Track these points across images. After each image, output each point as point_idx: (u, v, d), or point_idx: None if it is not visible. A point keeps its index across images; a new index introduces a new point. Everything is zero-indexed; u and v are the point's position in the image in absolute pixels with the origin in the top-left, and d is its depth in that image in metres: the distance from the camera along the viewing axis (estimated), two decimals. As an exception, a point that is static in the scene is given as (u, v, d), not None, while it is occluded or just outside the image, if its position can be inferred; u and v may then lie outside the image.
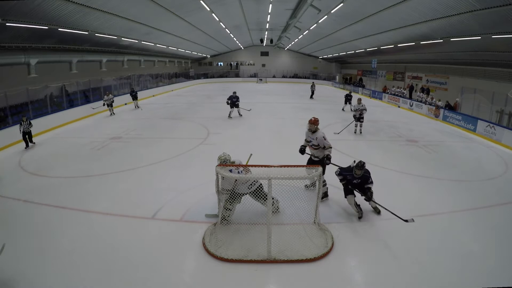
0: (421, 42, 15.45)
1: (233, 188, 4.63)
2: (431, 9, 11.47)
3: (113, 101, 14.90)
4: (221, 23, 20.38)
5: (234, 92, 14.02)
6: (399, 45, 18.09)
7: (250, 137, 10.58)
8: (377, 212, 5.28)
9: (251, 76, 40.26)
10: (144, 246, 4.37)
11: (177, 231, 4.75)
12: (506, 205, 5.77)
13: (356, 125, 11.23)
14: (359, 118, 11.06)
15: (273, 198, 4.72)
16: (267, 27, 24.53)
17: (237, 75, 40.53)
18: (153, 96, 22.96)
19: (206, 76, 38.88)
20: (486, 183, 6.87)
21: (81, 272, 3.84)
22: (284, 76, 40.14)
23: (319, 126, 5.77)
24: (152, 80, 25.76)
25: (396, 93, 20.83)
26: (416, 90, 21.12)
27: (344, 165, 5.44)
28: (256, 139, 10.29)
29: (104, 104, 14.66)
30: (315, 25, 18.94)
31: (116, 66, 21.17)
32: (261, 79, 37.92)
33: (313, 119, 5.66)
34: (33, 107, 12.04)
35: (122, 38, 16.48)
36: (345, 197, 5.20)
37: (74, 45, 15.19)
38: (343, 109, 16.62)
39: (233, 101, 13.74)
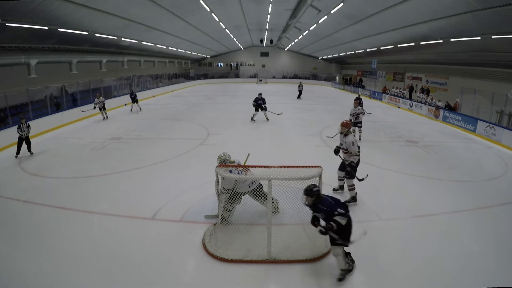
0: (421, 43, 15.47)
1: (234, 188, 4.64)
2: (431, 9, 11.48)
3: (104, 104, 13.84)
4: (221, 23, 20.39)
5: (260, 94, 13.20)
6: (399, 45, 18.10)
7: (250, 138, 10.58)
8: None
9: (251, 77, 40.27)
10: (144, 246, 4.36)
11: (177, 232, 4.75)
12: (506, 205, 5.77)
13: (353, 131, 9.63)
14: (355, 122, 10.00)
15: (272, 198, 4.72)
16: (267, 27, 24.56)
17: (237, 76, 40.54)
18: (153, 96, 22.96)
19: (206, 76, 38.89)
20: (486, 184, 6.87)
21: (81, 273, 3.84)
22: (284, 77, 40.14)
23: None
24: (152, 80, 25.77)
25: (396, 94, 20.85)
26: (416, 91, 21.13)
27: (361, 174, 5.39)
28: (256, 140, 10.29)
29: (94, 108, 13.54)
30: (315, 25, 18.95)
31: (116, 67, 21.19)
32: (261, 80, 37.93)
33: (345, 122, 5.68)
34: (33, 107, 12.03)
35: (122, 39, 16.50)
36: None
37: (74, 46, 15.21)
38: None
39: (259, 103, 12.82)
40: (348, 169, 5.43)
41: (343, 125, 5.61)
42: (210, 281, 3.76)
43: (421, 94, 18.44)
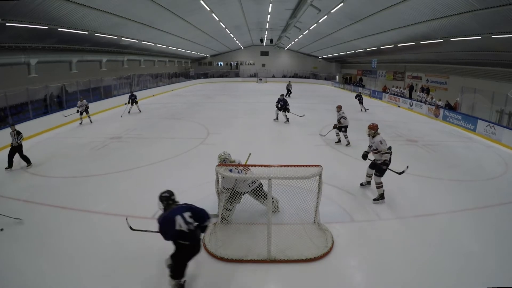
0: (421, 42, 15.45)
1: (234, 187, 4.64)
2: (431, 9, 11.46)
3: (87, 107, 12.69)
4: (221, 23, 20.37)
5: (282, 95, 13.51)
6: (399, 45, 18.08)
7: (250, 137, 10.58)
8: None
9: (251, 76, 40.26)
10: (144, 246, 4.36)
11: (177, 231, 4.74)
12: (506, 205, 5.77)
13: (337, 134, 9.79)
14: (340, 127, 9.67)
15: (272, 198, 4.73)
16: (267, 27, 24.53)
17: (237, 75, 40.52)
18: (153, 96, 22.95)
19: (206, 76, 38.88)
20: (486, 183, 6.87)
21: (81, 272, 3.84)
22: (284, 76, 40.11)
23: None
24: (152, 80, 25.75)
25: (396, 93, 20.84)
26: (416, 90, 21.12)
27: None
28: (256, 139, 10.29)
29: (78, 111, 12.46)
30: (315, 25, 18.94)
31: (116, 66, 21.17)
32: (261, 79, 37.91)
33: (371, 124, 5.81)
34: (33, 107, 12.03)
35: (122, 38, 16.48)
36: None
37: (74, 45, 15.20)
38: (361, 110, 17.08)
39: (282, 104, 12.96)
40: (384, 168, 5.61)
41: (370, 127, 5.76)
42: (210, 280, 3.76)
43: (421, 93, 18.44)
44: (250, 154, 5.72)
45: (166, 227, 3.24)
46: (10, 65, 11.92)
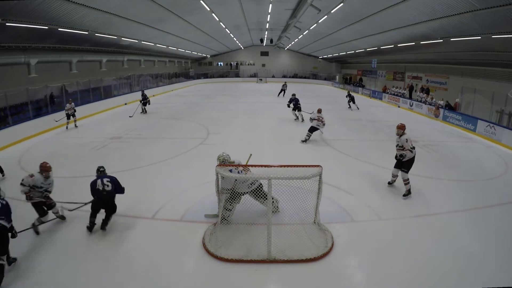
0: (421, 42, 15.45)
1: (233, 188, 4.64)
2: (431, 9, 11.46)
3: (75, 111, 11.92)
4: (221, 23, 20.37)
5: (294, 95, 13.77)
6: (399, 45, 18.08)
7: (250, 137, 10.58)
8: None
9: (251, 76, 40.26)
10: (144, 246, 4.37)
11: (177, 231, 4.75)
12: (506, 205, 5.77)
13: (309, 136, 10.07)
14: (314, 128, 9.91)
15: (272, 198, 4.74)
16: (267, 27, 24.53)
17: (237, 75, 40.52)
18: (153, 96, 22.88)
19: (206, 76, 38.88)
20: (486, 183, 6.87)
21: (81, 272, 3.84)
22: (284, 76, 40.10)
23: None
24: (152, 80, 25.75)
25: (396, 93, 20.84)
26: (416, 90, 21.12)
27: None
28: (256, 139, 10.29)
29: (66, 115, 11.82)
30: (315, 25, 18.94)
31: (116, 66, 21.16)
32: (261, 79, 37.92)
33: (400, 124, 6.23)
34: (33, 107, 12.03)
35: (122, 38, 16.48)
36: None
37: (74, 45, 15.19)
38: (350, 108, 17.42)
39: (294, 104, 13.35)
40: (400, 158, 6.06)
41: (399, 127, 6.19)
42: (210, 280, 3.76)
43: (421, 93, 18.45)
44: (251, 155, 5.73)
45: (92, 186, 4.82)
46: (10, 65, 11.92)
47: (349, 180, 6.75)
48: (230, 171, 4.54)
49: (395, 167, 6.31)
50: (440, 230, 4.87)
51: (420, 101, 17.32)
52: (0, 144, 9.24)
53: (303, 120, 13.16)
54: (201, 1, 14.02)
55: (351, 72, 35.73)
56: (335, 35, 22.11)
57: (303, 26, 20.51)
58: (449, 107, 14.82)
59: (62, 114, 12.19)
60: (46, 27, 10.76)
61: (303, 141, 9.89)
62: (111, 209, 4.82)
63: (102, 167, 5.06)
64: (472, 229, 4.94)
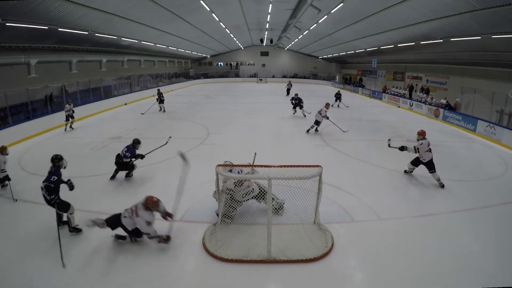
0: (421, 42, 15.45)
1: (233, 192, 4.69)
2: (431, 9, 11.46)
3: (73, 112, 11.66)
4: (221, 23, 20.37)
5: (296, 94, 14.95)
6: (399, 45, 18.08)
7: (250, 137, 10.58)
8: None
9: (251, 76, 40.26)
10: (144, 246, 4.36)
11: (177, 231, 4.74)
12: (506, 205, 5.77)
13: (313, 127, 11.16)
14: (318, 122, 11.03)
15: (278, 199, 4.78)
16: (267, 27, 24.53)
17: (237, 75, 40.52)
18: (153, 96, 22.91)
19: (206, 76, 38.87)
20: (486, 183, 6.87)
21: (81, 272, 3.85)
22: (284, 76, 40.11)
23: None
24: (152, 80, 25.74)
25: (396, 93, 20.84)
26: (416, 90, 21.13)
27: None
28: (256, 139, 10.29)
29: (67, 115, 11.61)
30: (315, 25, 18.93)
31: (116, 66, 21.16)
32: (261, 79, 37.92)
33: (420, 131, 6.92)
34: (33, 107, 12.03)
35: (122, 38, 16.48)
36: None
37: (74, 45, 15.18)
38: (337, 106, 18.02)
39: (296, 102, 14.46)
40: (400, 148, 6.88)
41: (419, 133, 6.89)
42: (210, 280, 3.76)
43: (421, 93, 18.44)
44: (255, 153, 5.74)
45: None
46: (10, 65, 11.91)
47: (349, 180, 6.75)
48: (230, 171, 4.55)
49: (411, 163, 7.01)
50: (440, 230, 4.87)
51: (420, 101, 17.32)
52: (0, 144, 9.23)
53: (305, 115, 14.18)
54: (201, 1, 14.02)
55: (351, 72, 35.72)
56: (335, 35, 22.11)
57: (303, 26, 20.52)
58: (449, 107, 14.82)
59: (63, 115, 12.14)
60: (46, 27, 10.75)
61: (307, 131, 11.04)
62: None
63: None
64: (472, 229, 4.94)
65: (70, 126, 11.83)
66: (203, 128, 11.83)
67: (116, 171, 6.79)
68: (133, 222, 4.25)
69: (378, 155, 8.65)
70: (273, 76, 39.96)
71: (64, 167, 5.01)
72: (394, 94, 20.85)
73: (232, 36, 28.25)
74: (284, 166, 4.18)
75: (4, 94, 10.45)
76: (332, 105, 17.63)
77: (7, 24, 9.30)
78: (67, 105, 11.60)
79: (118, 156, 6.71)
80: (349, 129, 11.59)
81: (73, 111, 11.73)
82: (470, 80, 15.76)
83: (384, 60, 24.77)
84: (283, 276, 3.85)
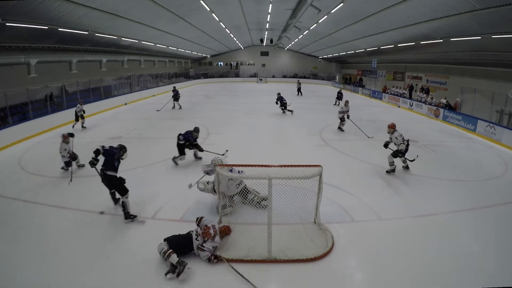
0: (421, 42, 15.46)
1: (226, 191, 4.80)
2: (431, 9, 11.47)
3: (84, 112, 11.85)
4: (221, 23, 20.38)
5: (279, 93, 15.67)
6: (399, 45, 18.09)
7: (250, 137, 10.59)
8: None
9: (251, 76, 40.27)
10: (144, 246, 4.36)
11: (177, 231, 4.73)
12: (506, 205, 5.77)
13: (343, 125, 11.58)
14: (342, 118, 11.52)
15: (259, 194, 4.90)
16: (267, 27, 24.53)
17: (237, 75, 40.53)
18: (153, 96, 22.96)
19: (206, 76, 38.87)
20: (486, 183, 6.87)
21: (82, 272, 3.85)
22: (284, 76, 40.13)
23: None
24: (152, 80, 25.74)
25: (396, 93, 20.85)
26: (416, 90, 21.13)
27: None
28: (256, 139, 10.29)
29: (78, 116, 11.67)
30: (315, 25, 18.94)
31: (116, 66, 21.16)
32: (261, 79, 37.92)
33: (390, 124, 7.23)
34: (33, 107, 12.03)
35: (122, 38, 16.48)
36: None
37: (74, 45, 15.19)
38: (335, 104, 18.41)
39: (279, 101, 15.23)
40: (400, 155, 7.12)
41: (389, 126, 7.18)
42: (210, 281, 3.76)
43: (421, 93, 18.45)
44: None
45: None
46: (10, 65, 11.91)
47: (349, 180, 6.75)
48: (231, 171, 4.56)
49: (393, 156, 7.10)
50: (440, 230, 4.87)
51: (420, 101, 17.32)
52: (0, 144, 9.25)
53: (291, 113, 14.97)
54: (201, 1, 14.02)
55: (351, 72, 35.72)
56: (335, 35, 22.12)
57: (303, 26, 20.52)
58: (449, 107, 14.82)
59: (63, 115, 12.37)
60: (46, 27, 10.76)
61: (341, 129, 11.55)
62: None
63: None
64: (472, 229, 4.94)
65: (82, 126, 11.92)
66: (203, 128, 11.77)
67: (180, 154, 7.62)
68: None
69: (378, 155, 8.64)
70: (273, 76, 39.96)
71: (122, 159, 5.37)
72: (394, 94, 20.86)
73: (232, 36, 28.25)
74: (284, 166, 4.19)
75: (4, 94, 10.46)
76: (335, 104, 18.17)
77: (7, 24, 9.31)
78: (78, 105, 11.70)
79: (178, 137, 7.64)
80: (349, 129, 11.58)
81: (84, 111, 11.90)
82: (470, 80, 15.76)
83: (384, 60, 24.77)
84: (283, 276, 3.86)
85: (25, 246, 4.37)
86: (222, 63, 41.58)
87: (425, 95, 17.78)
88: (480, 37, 11.47)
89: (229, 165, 4.75)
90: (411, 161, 7.24)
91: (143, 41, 18.86)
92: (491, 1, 8.99)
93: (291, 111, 15.07)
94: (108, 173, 4.94)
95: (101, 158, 5.12)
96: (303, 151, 9.07)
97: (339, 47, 26.88)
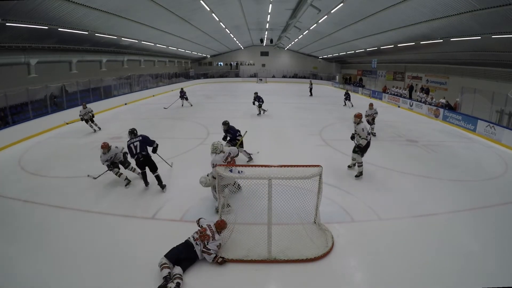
0: (421, 42, 15.45)
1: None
2: (431, 9, 11.46)
3: (93, 115, 11.50)
4: (221, 23, 20.37)
5: (256, 93, 15.20)
6: (399, 45, 18.08)
7: (250, 137, 10.53)
8: None
9: (251, 76, 40.26)
10: (144, 246, 4.37)
11: (177, 231, 4.74)
12: (506, 205, 5.77)
13: (373, 128, 11.04)
14: (371, 122, 10.98)
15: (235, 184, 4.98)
16: (267, 27, 24.53)
17: (237, 75, 40.52)
18: (153, 96, 22.97)
19: (206, 76, 38.87)
20: (486, 183, 6.87)
21: (82, 272, 3.85)
22: (284, 76, 40.13)
23: None
24: (152, 80, 25.74)
25: (396, 93, 20.85)
26: (416, 90, 21.13)
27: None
28: (256, 139, 10.27)
29: (82, 119, 11.25)
30: (315, 25, 18.94)
31: (116, 66, 21.15)
32: (261, 79, 37.92)
33: (356, 113, 6.94)
34: (33, 107, 12.03)
35: (122, 38, 16.48)
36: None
37: (74, 45, 15.18)
38: (344, 105, 18.43)
39: (255, 101, 14.96)
40: (356, 150, 6.76)
41: (356, 116, 6.84)
42: (210, 281, 3.76)
43: (421, 93, 18.44)
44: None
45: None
46: (10, 65, 11.90)
47: (349, 180, 6.75)
48: (231, 171, 4.56)
49: (353, 151, 6.95)
50: (440, 230, 4.87)
51: (420, 101, 17.32)
52: (0, 144, 9.25)
53: (263, 112, 14.90)
54: (201, 1, 14.02)
55: (351, 72, 35.72)
56: (335, 35, 22.11)
57: (303, 26, 20.51)
58: (449, 107, 14.82)
59: (63, 115, 12.36)
60: (46, 27, 10.75)
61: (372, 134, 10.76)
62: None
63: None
64: (472, 229, 4.94)
65: (97, 127, 11.60)
66: (203, 128, 11.83)
67: None
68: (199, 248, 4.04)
69: (378, 155, 8.65)
70: (273, 76, 39.96)
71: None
72: (394, 94, 20.86)
73: (232, 36, 28.24)
74: (284, 166, 4.18)
75: (4, 94, 10.46)
76: (345, 104, 18.32)
77: (7, 24, 9.29)
78: (82, 109, 11.20)
79: None
80: (349, 129, 11.55)
81: (93, 115, 11.46)
82: (470, 80, 15.75)
83: (384, 60, 24.77)
84: (283, 276, 3.86)
85: (25, 246, 4.37)
86: (222, 63, 41.56)
87: (425, 95, 17.77)
88: (480, 37, 11.47)
89: (229, 165, 4.74)
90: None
91: (143, 41, 18.85)
92: (491, 1, 8.99)
93: (264, 110, 14.92)
94: (144, 153, 5.98)
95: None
96: (303, 151, 9.07)
97: (339, 47, 26.87)
